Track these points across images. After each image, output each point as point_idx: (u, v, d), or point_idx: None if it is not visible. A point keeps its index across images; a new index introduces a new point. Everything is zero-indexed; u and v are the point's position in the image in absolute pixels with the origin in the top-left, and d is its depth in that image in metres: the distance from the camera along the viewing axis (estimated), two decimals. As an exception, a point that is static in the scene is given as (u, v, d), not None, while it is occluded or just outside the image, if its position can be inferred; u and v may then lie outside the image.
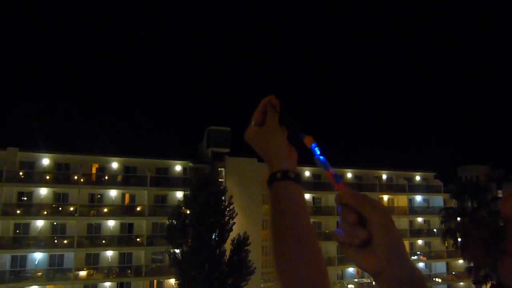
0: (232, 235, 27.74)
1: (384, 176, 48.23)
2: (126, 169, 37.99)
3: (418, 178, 50.04)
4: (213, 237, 26.86)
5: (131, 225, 36.78)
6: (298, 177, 0.99)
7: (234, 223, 28.12)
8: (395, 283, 0.68)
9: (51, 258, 33.96)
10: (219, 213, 27.35)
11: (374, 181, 46.25)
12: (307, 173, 44.20)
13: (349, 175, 46.40)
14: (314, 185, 43.57)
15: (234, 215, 28.13)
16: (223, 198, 28.47)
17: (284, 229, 0.90)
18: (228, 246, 27.48)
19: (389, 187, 47.34)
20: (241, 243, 27.39)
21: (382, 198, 46.91)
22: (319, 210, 43.54)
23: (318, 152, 0.82)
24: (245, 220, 34.27)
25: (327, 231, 41.36)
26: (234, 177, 38.35)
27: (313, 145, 0.85)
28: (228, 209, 28.05)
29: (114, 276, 34.83)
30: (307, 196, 43.43)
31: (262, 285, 37.16)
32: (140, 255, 35.94)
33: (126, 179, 37.39)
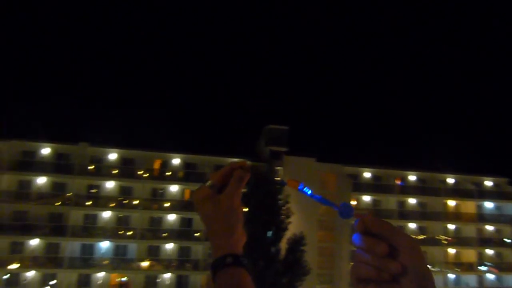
0: (288, 234, 27.66)
1: (450, 180, 45.66)
2: (186, 165, 39.22)
3: (488, 183, 46.81)
4: (269, 235, 26.95)
5: (190, 220, 37.91)
6: (246, 263, 0.85)
7: (290, 222, 28.04)
8: None
9: (116, 248, 35.90)
10: (275, 211, 27.40)
11: (438, 185, 43.94)
12: (366, 174, 43.02)
13: (411, 178, 44.47)
14: (374, 187, 42.33)
15: (290, 214, 28.04)
16: (279, 197, 28.48)
17: None
18: (283, 245, 27.45)
19: (455, 192, 44.73)
20: (297, 242, 27.25)
21: (447, 203, 44.48)
22: (379, 213, 42.13)
23: (310, 192, 0.74)
24: (301, 220, 34.03)
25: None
26: (291, 176, 37.88)
27: (300, 186, 0.76)
28: (284, 208, 28.01)
29: (173, 268, 36.11)
30: (367, 198, 42.28)
31: (317, 287, 36.70)
32: (198, 250, 36.94)
33: (187, 175, 38.61)
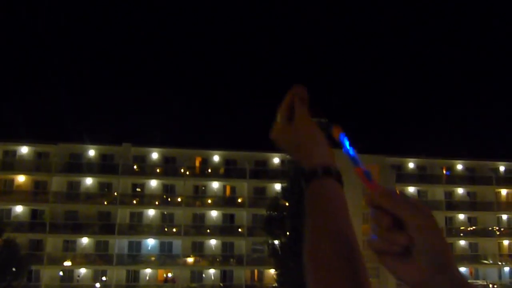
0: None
1: (502, 168, 43.36)
2: (226, 162, 39.50)
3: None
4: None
5: (232, 216, 38.19)
6: (340, 175, 0.84)
7: (333, 215, 27.57)
8: None
9: (162, 244, 36.77)
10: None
11: (489, 174, 41.84)
12: (411, 165, 41.69)
13: (459, 166, 42.62)
14: (419, 177, 40.96)
15: (332, 207, 27.56)
16: (320, 190, 28.04)
17: (323, 235, 0.76)
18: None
19: (507, 180, 42.43)
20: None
21: (500, 192, 42.31)
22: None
23: (348, 144, 0.70)
24: (344, 213, 33.38)
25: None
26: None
27: (341, 135, 0.73)
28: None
29: (218, 264, 36.55)
30: (412, 189, 40.97)
31: (363, 281, 35.95)
32: (241, 245, 37.16)
33: (227, 171, 38.89)
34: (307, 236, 0.77)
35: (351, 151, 0.69)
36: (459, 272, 0.59)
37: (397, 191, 0.62)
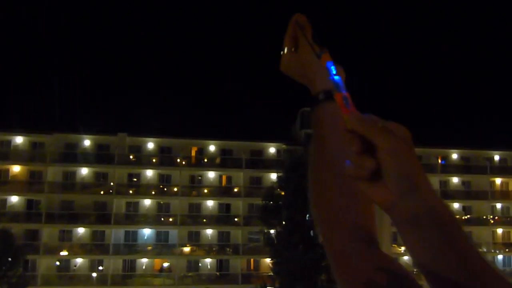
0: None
1: (497, 157, 43.58)
2: (222, 151, 39.47)
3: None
4: (307, 219, 26.74)
5: (228, 206, 38.28)
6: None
7: (328, 205, 27.66)
8: (412, 218, 0.56)
9: (158, 234, 36.88)
10: (313, 194, 27.07)
11: (484, 163, 42.07)
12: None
13: (454, 156, 42.81)
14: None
15: (328, 197, 27.63)
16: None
17: (324, 152, 0.81)
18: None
19: (502, 169, 42.69)
20: (336, 225, 26.89)
21: (494, 181, 42.58)
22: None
23: (334, 72, 0.71)
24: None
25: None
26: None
27: (328, 63, 0.73)
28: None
29: (214, 253, 36.73)
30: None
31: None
32: (237, 234, 37.33)
33: (223, 161, 38.89)
34: (311, 158, 0.83)
35: (337, 79, 0.69)
36: (432, 194, 0.58)
37: (373, 117, 0.61)
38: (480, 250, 39.80)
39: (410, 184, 0.58)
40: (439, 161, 42.21)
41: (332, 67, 0.72)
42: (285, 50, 0.94)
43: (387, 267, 0.65)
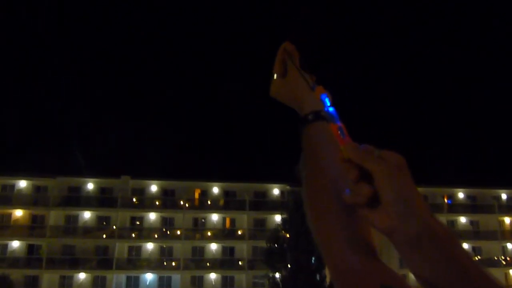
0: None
1: (504, 196, 42.98)
2: (226, 193, 39.21)
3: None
4: (312, 261, 26.13)
5: (232, 249, 37.56)
6: (328, 117, 0.81)
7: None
8: (413, 240, 0.59)
9: (160, 279, 35.96)
10: (318, 236, 26.61)
11: (491, 202, 41.45)
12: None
13: (460, 195, 42.29)
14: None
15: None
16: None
17: (317, 170, 0.83)
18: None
19: (511, 208, 41.99)
20: (342, 268, 26.21)
21: (503, 220, 41.78)
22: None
23: (328, 104, 0.74)
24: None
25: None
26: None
27: (322, 95, 0.76)
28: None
29: (218, 299, 35.64)
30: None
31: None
32: (241, 279, 36.37)
33: (227, 203, 38.55)
34: (303, 174, 0.84)
35: (331, 110, 0.72)
36: (432, 217, 0.60)
37: (368, 147, 0.64)
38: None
39: (408, 207, 0.60)
40: (445, 200, 41.67)
41: (327, 99, 0.74)
42: (275, 76, 0.98)
43: (391, 282, 0.66)
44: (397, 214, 0.60)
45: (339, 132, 0.67)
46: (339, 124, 0.69)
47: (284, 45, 0.96)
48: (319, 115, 0.86)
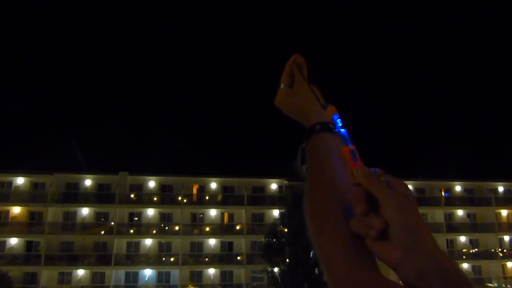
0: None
1: (501, 189, 43.16)
2: (224, 188, 39.23)
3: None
4: (311, 256, 26.22)
5: (230, 244, 37.64)
6: (334, 130, 0.85)
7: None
8: (418, 274, 0.58)
9: (159, 275, 36.05)
10: (316, 231, 26.69)
11: (488, 195, 41.63)
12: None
13: (458, 188, 42.44)
14: (418, 200, 40.64)
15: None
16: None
17: (324, 180, 0.81)
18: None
19: (507, 200, 42.19)
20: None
21: (500, 213, 41.99)
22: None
23: (340, 125, 0.73)
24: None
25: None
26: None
27: (335, 116, 0.75)
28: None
29: (217, 293, 35.76)
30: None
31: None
32: (240, 273, 36.49)
33: (225, 198, 38.58)
34: (306, 185, 0.82)
35: (343, 131, 0.71)
36: (439, 252, 0.59)
37: (379, 171, 0.64)
38: (491, 285, 38.69)
39: (415, 239, 0.59)
40: (443, 193, 41.83)
41: (338, 120, 0.73)
42: (282, 86, 0.98)
43: None
44: (404, 248, 0.59)
45: (351, 155, 0.67)
46: (351, 146, 0.68)
47: (294, 57, 0.96)
48: (327, 126, 0.86)
